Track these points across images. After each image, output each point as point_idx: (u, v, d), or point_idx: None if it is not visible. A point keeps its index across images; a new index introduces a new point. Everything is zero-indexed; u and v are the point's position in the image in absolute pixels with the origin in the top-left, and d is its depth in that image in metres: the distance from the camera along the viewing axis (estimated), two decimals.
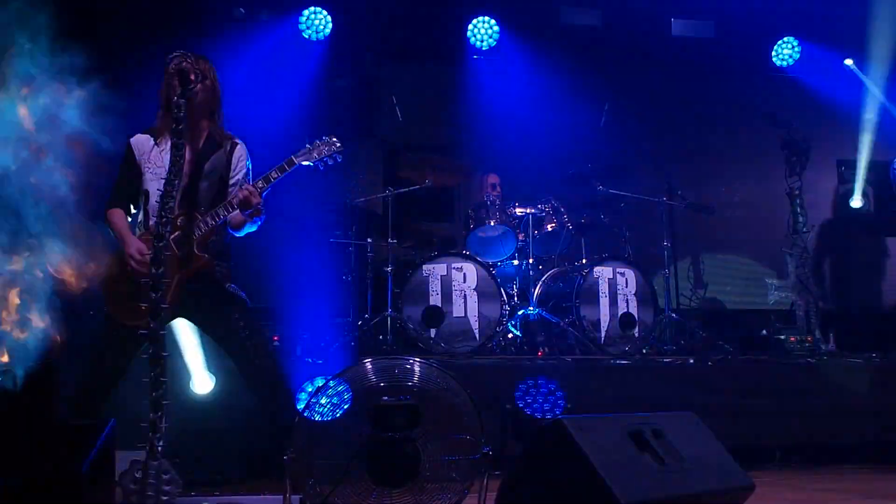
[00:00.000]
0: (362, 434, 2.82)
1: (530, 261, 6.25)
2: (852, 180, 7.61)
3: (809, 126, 7.24)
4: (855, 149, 7.73)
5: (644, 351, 5.97)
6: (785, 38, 8.00)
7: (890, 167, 7.23)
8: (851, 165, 7.67)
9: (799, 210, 6.72)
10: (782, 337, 6.17)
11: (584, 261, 6.44)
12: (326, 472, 2.82)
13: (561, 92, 7.93)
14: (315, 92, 7.39)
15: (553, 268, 6.56)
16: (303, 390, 4.65)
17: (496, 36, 7.73)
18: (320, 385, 2.94)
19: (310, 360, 5.55)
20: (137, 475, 2.49)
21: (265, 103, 6.55)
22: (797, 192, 6.75)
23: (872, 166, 7.62)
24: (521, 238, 6.35)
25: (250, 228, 3.72)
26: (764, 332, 6.40)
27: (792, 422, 5.03)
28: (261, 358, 3.65)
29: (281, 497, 2.87)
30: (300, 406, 3.94)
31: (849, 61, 8.17)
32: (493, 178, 7.04)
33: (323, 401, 2.88)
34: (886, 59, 7.96)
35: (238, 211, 3.62)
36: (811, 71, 8.12)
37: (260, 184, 3.60)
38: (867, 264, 7.99)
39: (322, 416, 2.87)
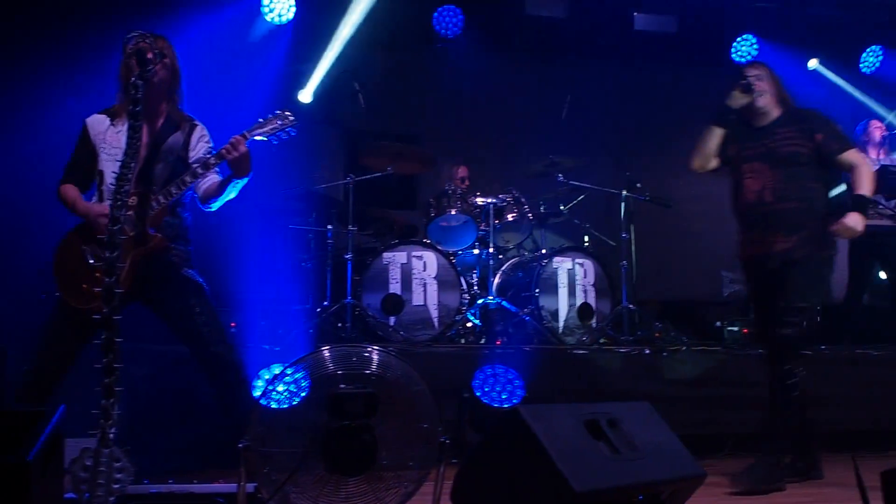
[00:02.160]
0: (319, 422, 2.80)
1: (490, 250, 6.26)
2: None
3: None
4: None
5: (601, 341, 6.03)
6: (745, 35, 8.10)
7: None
8: None
9: None
10: (735, 328, 6.27)
11: (543, 251, 6.48)
12: (282, 460, 2.79)
13: (524, 83, 7.95)
14: (277, 76, 7.31)
15: (513, 258, 6.59)
16: (259, 378, 4.62)
17: (461, 24, 7.70)
18: (277, 372, 2.91)
19: (267, 347, 5.51)
20: (88, 463, 2.45)
21: (226, 86, 6.46)
22: None
23: None
24: (481, 227, 6.36)
25: (230, 193, 3.64)
26: (718, 323, 6.49)
27: (743, 412, 5.11)
28: (217, 344, 3.62)
29: (235, 485, 2.83)
30: (257, 394, 3.92)
31: (813, 62, 8.30)
32: (462, 171, 7.09)
33: (280, 388, 2.85)
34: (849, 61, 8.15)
35: (210, 179, 3.58)
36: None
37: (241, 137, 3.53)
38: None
39: (279, 403, 2.85)
